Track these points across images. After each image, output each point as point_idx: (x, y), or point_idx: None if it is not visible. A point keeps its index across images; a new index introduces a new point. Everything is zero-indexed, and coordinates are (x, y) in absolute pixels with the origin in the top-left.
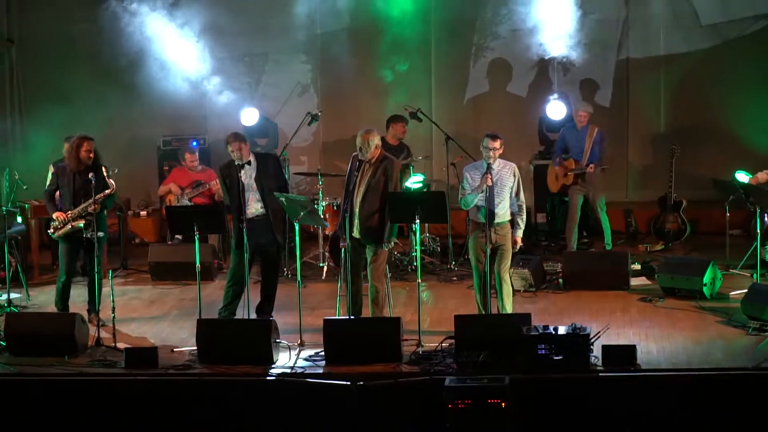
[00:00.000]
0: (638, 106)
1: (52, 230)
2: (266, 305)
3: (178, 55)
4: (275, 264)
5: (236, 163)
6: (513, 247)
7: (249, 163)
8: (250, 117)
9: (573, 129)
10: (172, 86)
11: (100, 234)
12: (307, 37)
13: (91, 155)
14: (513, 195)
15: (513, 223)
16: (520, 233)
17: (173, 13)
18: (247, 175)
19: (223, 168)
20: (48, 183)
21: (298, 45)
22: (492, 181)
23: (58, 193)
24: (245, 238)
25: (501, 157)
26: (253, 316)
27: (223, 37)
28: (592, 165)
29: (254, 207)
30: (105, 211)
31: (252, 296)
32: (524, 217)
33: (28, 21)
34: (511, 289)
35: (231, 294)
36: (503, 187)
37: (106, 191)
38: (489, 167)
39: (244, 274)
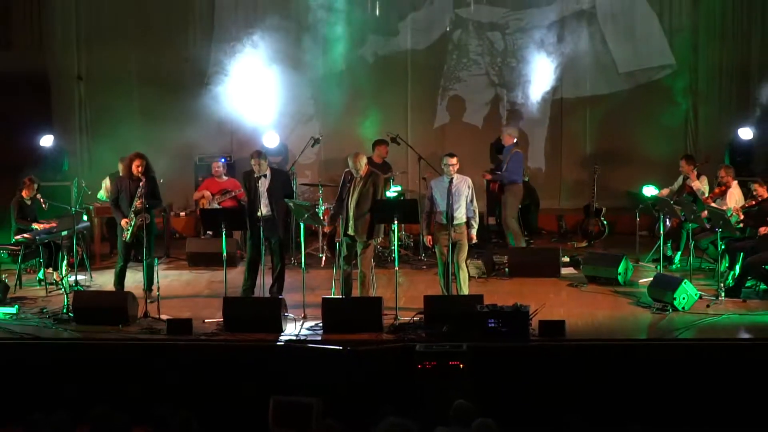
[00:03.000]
0: (570, 134)
1: (124, 237)
2: (276, 286)
3: (212, 92)
4: (280, 254)
5: (255, 174)
6: (469, 242)
7: (265, 176)
8: (271, 140)
9: (504, 146)
10: (207, 115)
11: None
12: (311, 78)
13: (140, 168)
14: (468, 202)
15: (468, 224)
16: (474, 232)
17: (208, 60)
18: (262, 185)
19: (245, 174)
20: (110, 193)
21: (304, 84)
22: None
23: (117, 201)
24: (261, 232)
25: (458, 172)
26: (267, 294)
27: (247, 79)
28: (486, 173)
29: (263, 210)
30: (153, 210)
31: (266, 280)
32: (477, 219)
33: (93, 62)
34: (467, 275)
35: (247, 276)
36: (460, 196)
37: (142, 200)
38: (451, 181)
39: (257, 259)
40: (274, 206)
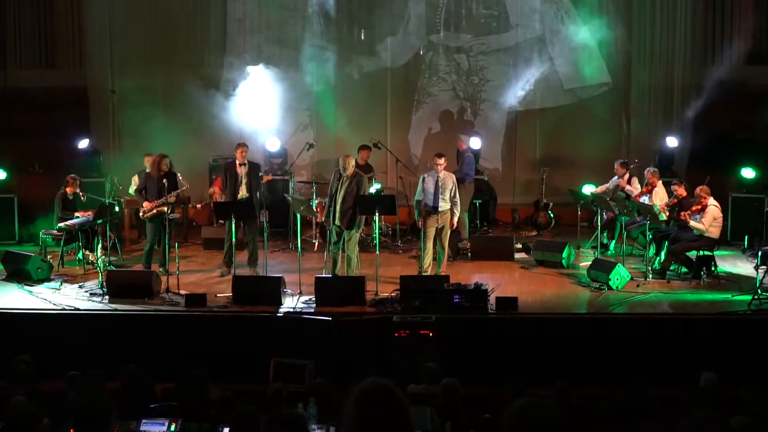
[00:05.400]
0: (522, 141)
1: (142, 214)
2: (252, 260)
3: (223, 104)
4: (254, 230)
5: (237, 162)
6: (451, 228)
7: (245, 164)
8: (273, 144)
9: (458, 151)
10: (219, 124)
11: (176, 215)
12: (307, 93)
13: (165, 166)
14: (452, 195)
15: (451, 212)
16: (456, 219)
17: (220, 78)
18: (242, 172)
19: (228, 165)
20: (138, 185)
21: (301, 98)
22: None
23: (143, 190)
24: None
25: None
26: (260, 272)
27: (252, 93)
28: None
29: (242, 192)
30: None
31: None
32: (459, 208)
33: (125, 78)
34: (446, 254)
35: (232, 252)
36: (445, 189)
37: (178, 189)
38: (438, 177)
39: (239, 237)
40: (251, 189)
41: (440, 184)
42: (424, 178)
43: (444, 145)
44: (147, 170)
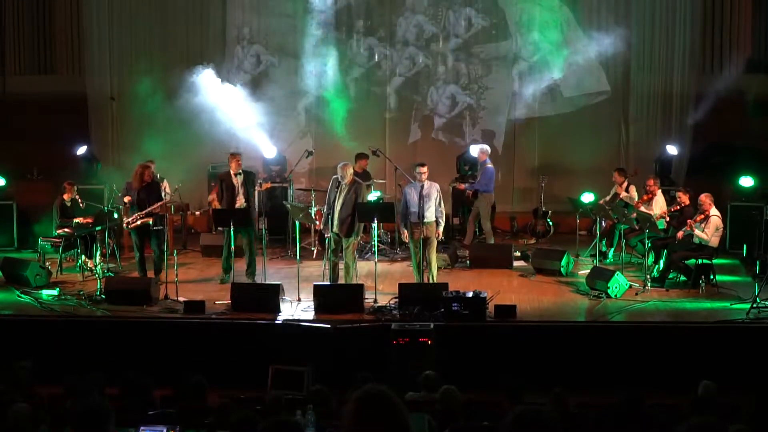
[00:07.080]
0: (521, 148)
1: (125, 224)
2: (251, 270)
3: (224, 112)
4: (251, 238)
5: (232, 173)
6: (437, 238)
7: (239, 174)
8: (269, 151)
9: (478, 162)
10: (219, 132)
11: (161, 227)
12: (307, 101)
13: (149, 176)
14: (437, 204)
15: (437, 222)
16: (441, 229)
17: (223, 84)
18: (238, 182)
19: (223, 174)
20: (120, 195)
21: (301, 106)
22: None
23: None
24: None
25: (428, 179)
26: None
27: (252, 100)
28: (462, 185)
29: (240, 202)
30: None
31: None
32: (444, 218)
33: (124, 85)
34: (436, 264)
35: (225, 257)
36: (430, 199)
37: (162, 201)
38: (422, 186)
39: (231, 243)
40: (248, 198)
41: (424, 193)
42: (406, 191)
43: (444, 152)
44: (128, 180)
